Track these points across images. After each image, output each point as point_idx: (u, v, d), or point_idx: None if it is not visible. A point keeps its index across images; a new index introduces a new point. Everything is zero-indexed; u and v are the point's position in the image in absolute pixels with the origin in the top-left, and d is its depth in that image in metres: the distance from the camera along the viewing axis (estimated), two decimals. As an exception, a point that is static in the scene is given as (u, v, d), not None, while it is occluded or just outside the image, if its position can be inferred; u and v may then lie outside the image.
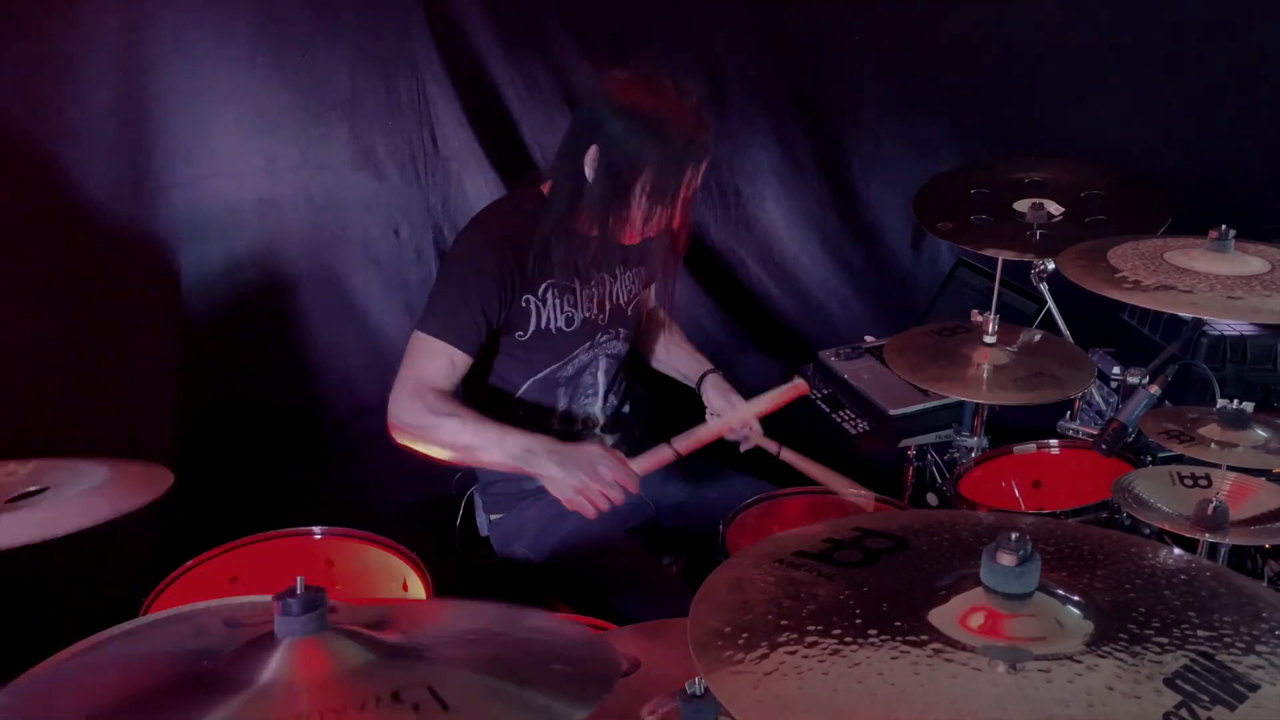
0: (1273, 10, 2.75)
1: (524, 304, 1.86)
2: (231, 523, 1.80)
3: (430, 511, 2.33)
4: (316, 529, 1.79)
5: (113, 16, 2.20)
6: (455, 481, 2.15)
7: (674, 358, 2.20)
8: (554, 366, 1.94)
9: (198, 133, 2.42)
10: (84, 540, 1.19)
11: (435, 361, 1.80)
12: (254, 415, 2.61)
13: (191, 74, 2.37)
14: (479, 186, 2.79)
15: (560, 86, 2.80)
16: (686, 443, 1.88)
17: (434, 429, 1.77)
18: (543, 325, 1.89)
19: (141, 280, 2.38)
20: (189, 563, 1.68)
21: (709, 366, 2.12)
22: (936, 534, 1.03)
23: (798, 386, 1.96)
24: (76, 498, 1.28)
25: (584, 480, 1.73)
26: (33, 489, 1.30)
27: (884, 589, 0.92)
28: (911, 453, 2.40)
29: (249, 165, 2.51)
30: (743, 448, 2.03)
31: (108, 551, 1.88)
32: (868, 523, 1.06)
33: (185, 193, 2.41)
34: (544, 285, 1.87)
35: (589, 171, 1.77)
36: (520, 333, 1.88)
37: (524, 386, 1.95)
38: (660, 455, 1.86)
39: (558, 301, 1.89)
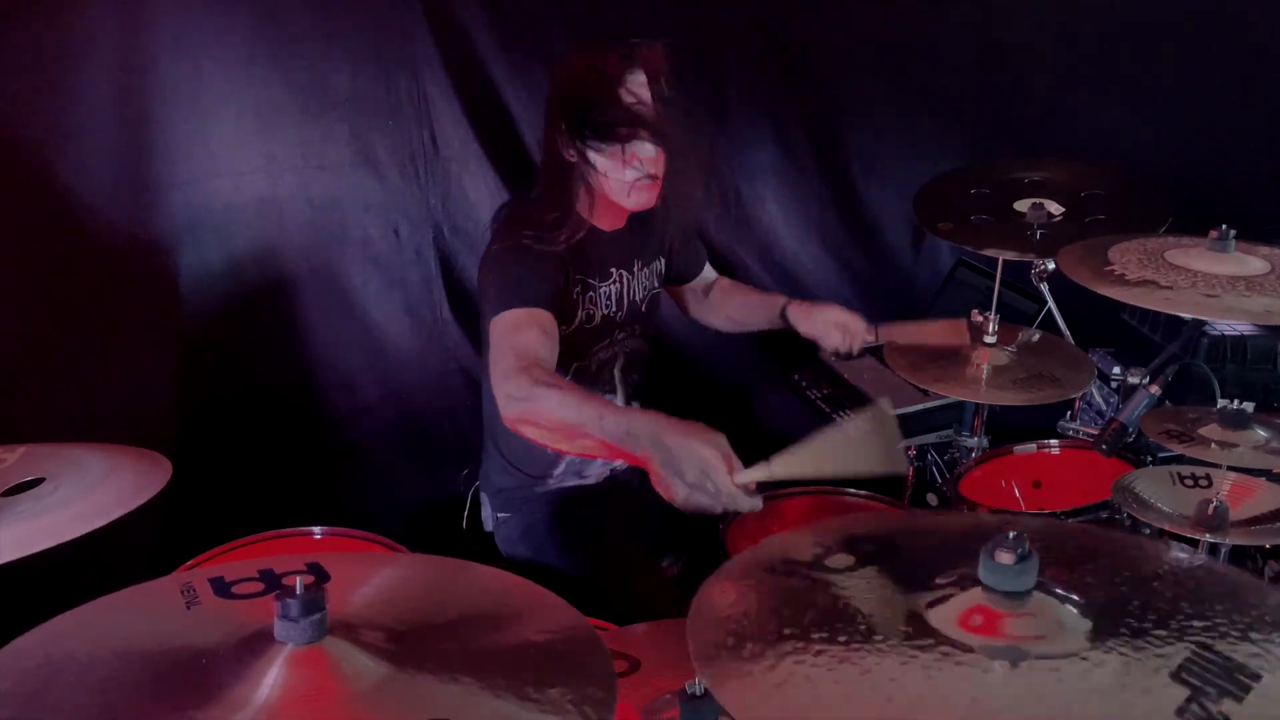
0: (1273, 10, 2.75)
1: (574, 295, 1.84)
2: (231, 522, 1.80)
3: (430, 511, 2.33)
4: (316, 529, 1.79)
5: (112, 16, 2.20)
6: (463, 478, 2.15)
7: (747, 313, 2.16)
8: (577, 364, 1.93)
9: (198, 133, 2.41)
10: (81, 541, 1.19)
11: (523, 334, 1.66)
12: (253, 415, 2.60)
13: (191, 74, 2.37)
14: (479, 186, 2.79)
15: (560, 87, 2.79)
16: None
17: (536, 400, 1.59)
18: (576, 321, 1.88)
19: (141, 280, 2.38)
20: (188, 563, 1.68)
21: (784, 300, 2.06)
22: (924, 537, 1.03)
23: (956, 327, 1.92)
24: (81, 496, 1.27)
25: (687, 489, 1.41)
26: (29, 479, 1.29)
27: (880, 593, 0.92)
28: (911, 453, 2.39)
29: (249, 165, 2.51)
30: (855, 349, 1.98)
31: (104, 552, 1.87)
32: (854, 527, 1.05)
33: (185, 193, 2.41)
34: (575, 278, 1.86)
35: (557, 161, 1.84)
36: (564, 327, 1.81)
37: None
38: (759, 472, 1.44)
39: (581, 298, 1.89)
